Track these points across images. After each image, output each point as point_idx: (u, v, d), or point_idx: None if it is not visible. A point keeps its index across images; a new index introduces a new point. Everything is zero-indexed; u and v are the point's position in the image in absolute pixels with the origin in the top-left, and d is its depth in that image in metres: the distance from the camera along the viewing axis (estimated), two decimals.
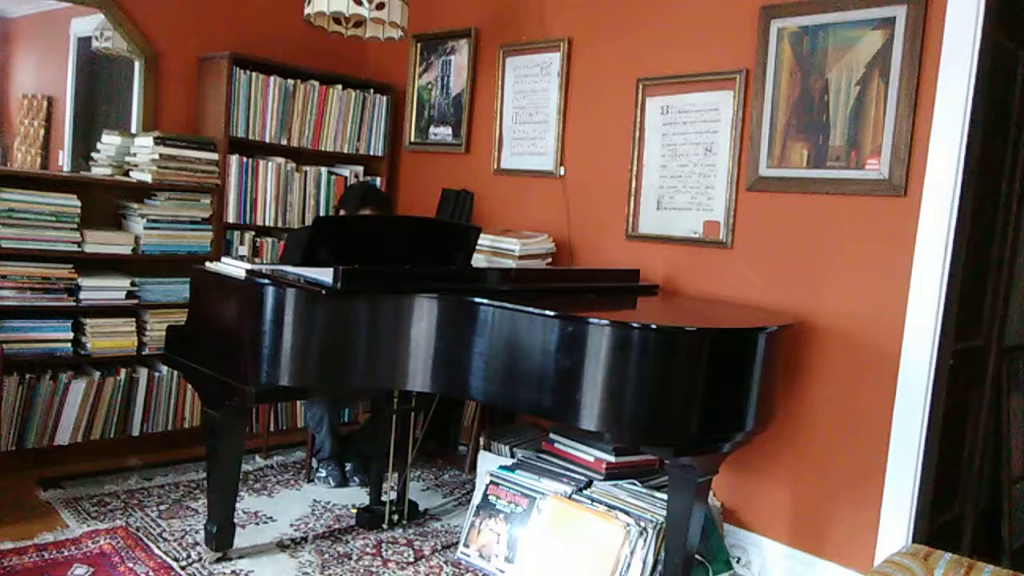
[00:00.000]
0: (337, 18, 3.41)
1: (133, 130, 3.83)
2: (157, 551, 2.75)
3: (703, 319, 2.66)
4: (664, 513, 2.57)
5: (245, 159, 3.91)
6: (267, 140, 3.98)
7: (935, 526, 2.90)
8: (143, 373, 3.65)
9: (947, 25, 2.57)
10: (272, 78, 3.95)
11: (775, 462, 2.99)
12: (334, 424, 3.55)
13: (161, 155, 3.57)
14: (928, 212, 2.61)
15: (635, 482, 2.94)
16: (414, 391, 2.89)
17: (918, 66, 2.62)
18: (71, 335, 3.41)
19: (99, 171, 3.72)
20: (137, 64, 3.84)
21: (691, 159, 3.22)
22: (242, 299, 2.52)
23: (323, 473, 3.52)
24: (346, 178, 4.29)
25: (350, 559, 2.85)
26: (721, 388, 2.27)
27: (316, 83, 4.11)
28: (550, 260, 3.58)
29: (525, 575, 2.73)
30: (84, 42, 3.88)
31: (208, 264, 2.76)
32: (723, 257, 3.13)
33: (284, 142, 4.05)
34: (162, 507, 3.14)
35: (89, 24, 3.83)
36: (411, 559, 2.89)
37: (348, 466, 3.56)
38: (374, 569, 2.79)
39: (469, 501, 3.13)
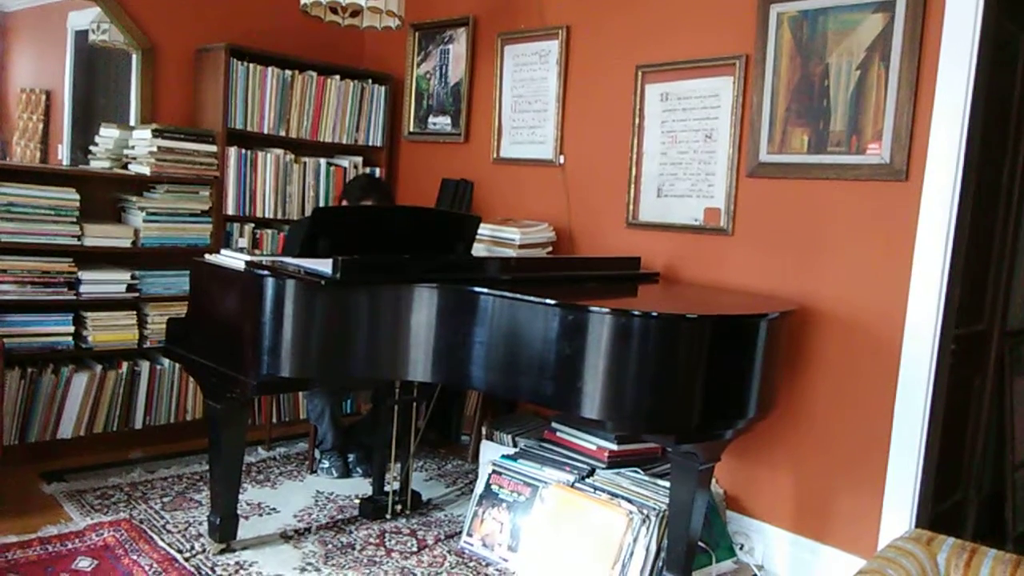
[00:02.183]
0: (334, 7, 3.40)
1: (131, 123, 3.82)
2: (161, 543, 2.76)
3: (704, 306, 2.66)
4: (667, 501, 2.58)
5: (244, 151, 3.90)
6: (265, 132, 3.97)
7: (938, 511, 2.90)
8: (145, 366, 3.65)
9: (948, 8, 2.55)
10: (270, 69, 3.93)
11: (777, 449, 2.98)
12: (335, 416, 3.55)
13: (159, 148, 3.56)
14: (930, 197, 2.60)
15: (637, 470, 2.94)
16: (415, 381, 2.89)
17: (919, 50, 2.61)
18: (72, 329, 3.42)
19: (98, 164, 3.71)
20: (135, 57, 3.83)
21: (691, 146, 3.20)
22: (242, 291, 2.52)
23: (326, 464, 3.53)
24: (345, 169, 4.28)
25: (353, 549, 2.85)
26: (723, 375, 2.27)
27: (314, 74, 4.10)
28: (550, 249, 3.57)
29: (528, 564, 2.73)
30: (81, 35, 3.87)
31: (208, 256, 2.76)
32: (724, 244, 3.12)
33: (282, 133, 4.04)
34: (165, 499, 3.14)
35: (86, 17, 3.81)
36: (414, 549, 2.90)
37: (351, 457, 3.57)
38: (377, 559, 2.80)
39: (472, 490, 3.13)
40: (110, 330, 3.51)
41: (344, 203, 3.52)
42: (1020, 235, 3.40)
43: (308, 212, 4.12)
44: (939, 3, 2.57)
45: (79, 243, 3.39)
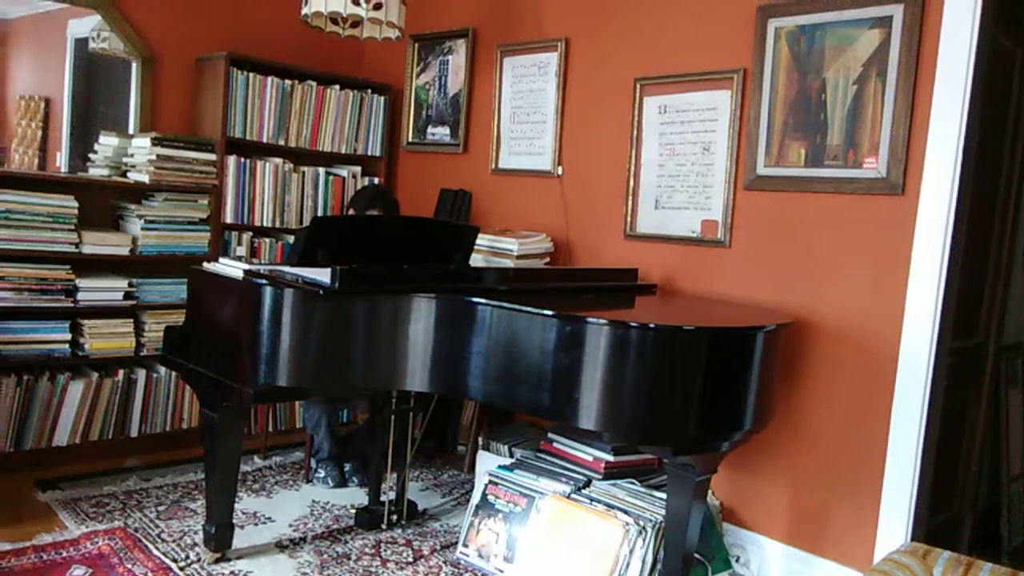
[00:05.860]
0: (334, 18, 3.41)
1: (130, 131, 3.83)
2: (156, 552, 2.75)
3: (701, 318, 2.66)
4: (663, 512, 2.58)
5: (243, 159, 3.91)
6: (264, 141, 3.98)
7: (934, 524, 2.90)
8: (141, 374, 3.65)
9: (944, 23, 2.57)
10: (269, 78, 3.94)
11: (774, 461, 2.99)
12: (332, 425, 3.55)
13: (158, 156, 3.57)
14: (926, 210, 2.61)
15: (634, 481, 2.94)
16: (412, 391, 2.89)
17: (915, 65, 2.62)
18: (69, 336, 3.41)
19: (96, 172, 3.72)
20: (134, 65, 3.84)
21: (689, 158, 3.22)
22: (240, 299, 2.52)
23: (322, 473, 3.52)
24: (344, 178, 4.29)
25: (349, 559, 2.85)
26: (719, 387, 2.27)
27: (313, 83, 4.11)
28: (548, 260, 3.58)
29: (524, 575, 2.73)
30: (81, 43, 3.88)
31: (206, 265, 2.76)
32: (721, 256, 3.13)
33: (282, 142, 4.05)
34: (160, 508, 3.13)
35: (86, 25, 3.82)
36: (410, 559, 2.89)
37: (347, 466, 3.56)
38: (373, 569, 2.79)
39: (468, 501, 3.13)
40: (107, 338, 3.50)
41: (351, 212, 3.53)
42: (1016, 248, 3.41)
43: (306, 221, 4.13)
44: (935, 19, 2.59)
45: (77, 250, 3.39)
